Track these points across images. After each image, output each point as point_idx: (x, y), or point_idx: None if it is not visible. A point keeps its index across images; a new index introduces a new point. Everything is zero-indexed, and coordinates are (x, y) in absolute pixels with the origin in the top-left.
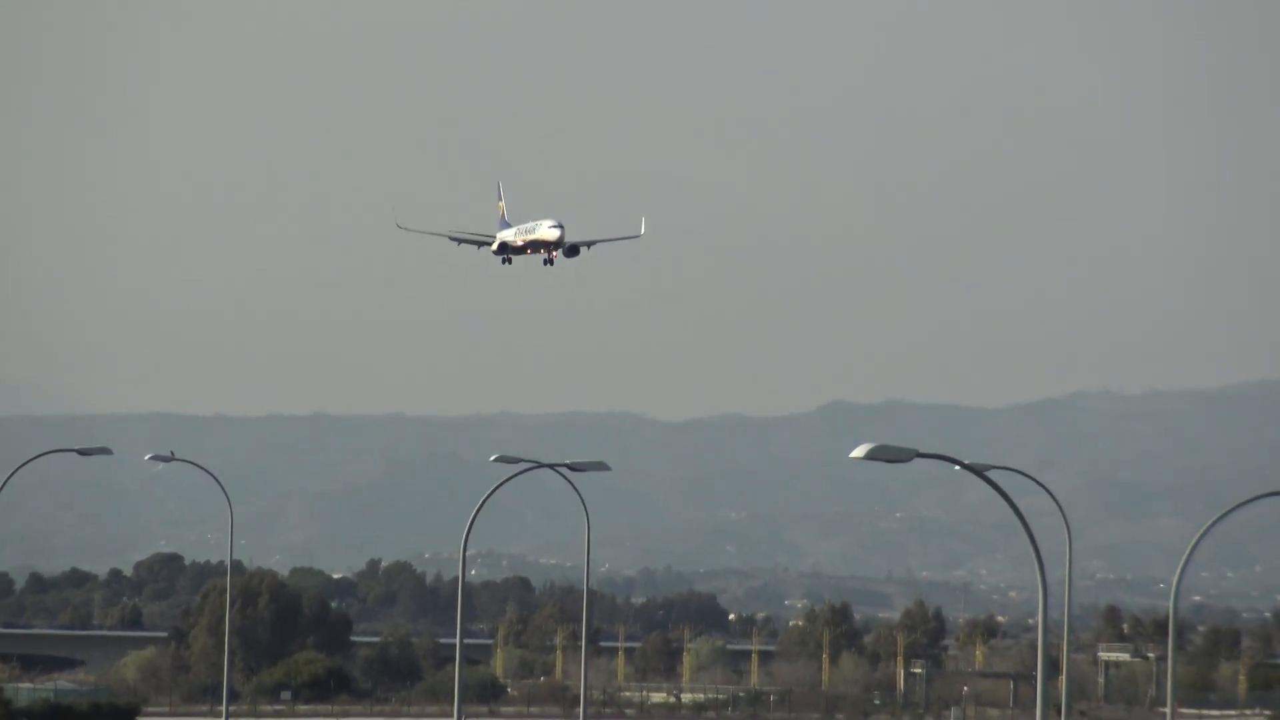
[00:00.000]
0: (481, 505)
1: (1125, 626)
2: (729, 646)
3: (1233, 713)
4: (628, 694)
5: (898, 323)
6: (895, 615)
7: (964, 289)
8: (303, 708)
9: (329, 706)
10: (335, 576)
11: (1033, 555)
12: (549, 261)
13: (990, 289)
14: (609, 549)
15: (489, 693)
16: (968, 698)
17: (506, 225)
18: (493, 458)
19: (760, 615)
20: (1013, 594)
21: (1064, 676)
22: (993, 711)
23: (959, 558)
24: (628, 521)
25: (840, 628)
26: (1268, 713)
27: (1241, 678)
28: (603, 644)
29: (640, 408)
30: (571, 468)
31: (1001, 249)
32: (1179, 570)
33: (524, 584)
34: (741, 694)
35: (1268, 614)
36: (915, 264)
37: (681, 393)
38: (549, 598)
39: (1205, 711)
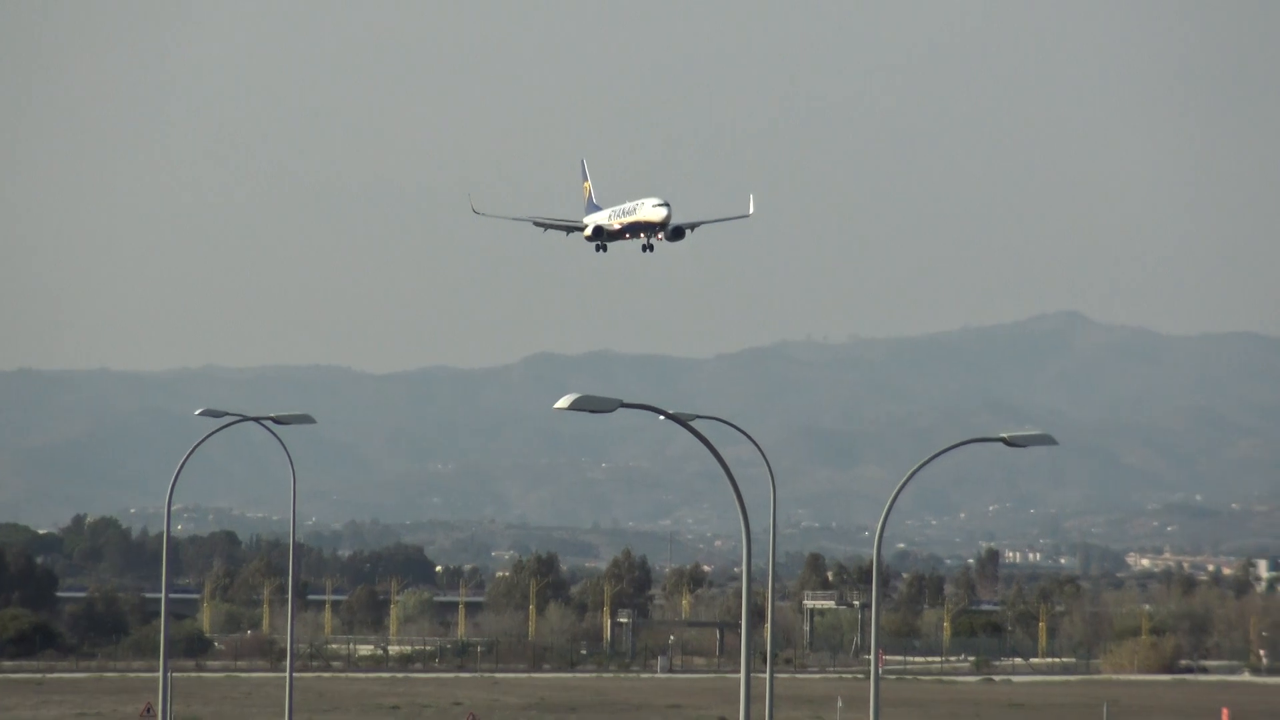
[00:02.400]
0: (186, 459)
1: (830, 574)
2: (436, 598)
3: (936, 659)
4: (335, 647)
5: (604, 275)
6: (602, 566)
7: (666, 242)
8: (7, 664)
9: (35, 662)
10: (41, 533)
11: (737, 504)
12: (649, 247)
13: (693, 241)
14: (316, 502)
15: (196, 647)
16: (674, 646)
17: (595, 207)
18: (198, 411)
19: (467, 567)
20: (718, 543)
21: (769, 625)
22: (699, 660)
23: (665, 507)
24: (335, 474)
25: (546, 578)
26: (971, 658)
27: (945, 624)
28: (310, 597)
29: (347, 360)
30: (277, 420)
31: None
32: (882, 518)
33: (230, 538)
34: (449, 645)
35: (971, 561)
36: None
37: (388, 345)
38: (255, 552)
39: (910, 658)
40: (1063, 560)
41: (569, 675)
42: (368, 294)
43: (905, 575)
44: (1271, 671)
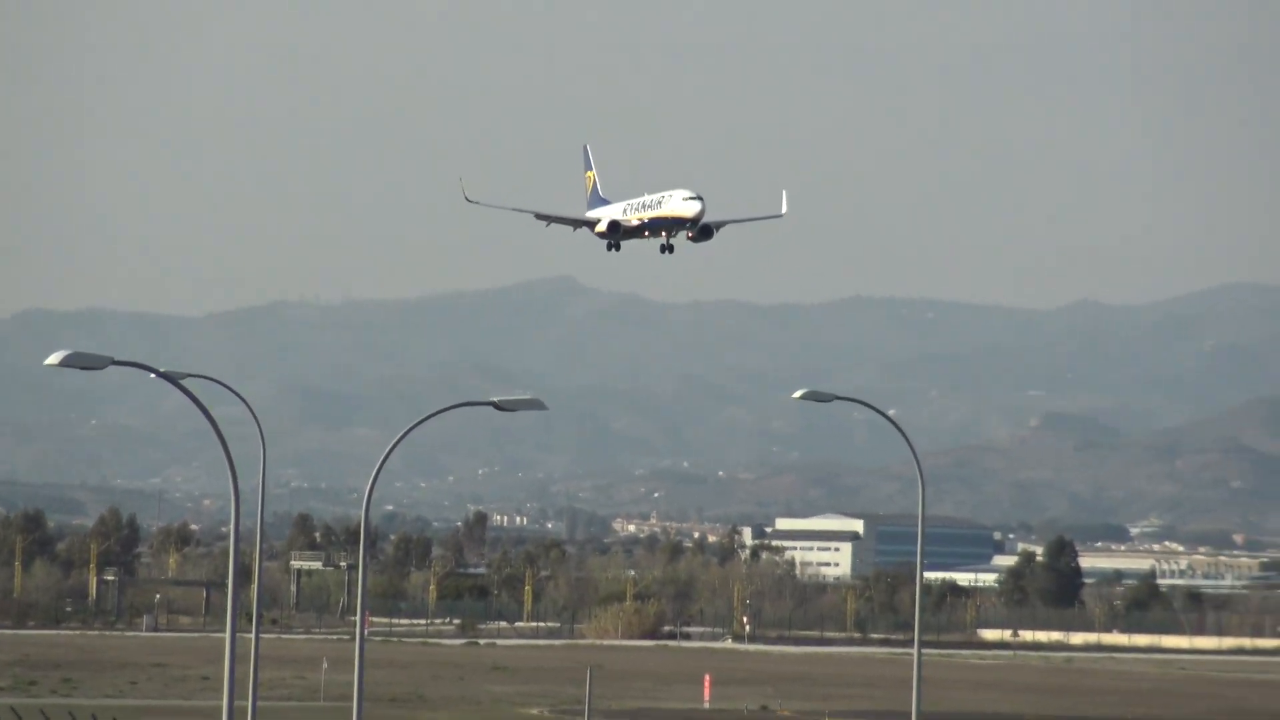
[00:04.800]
0: None
1: (318, 535)
2: None
3: (422, 621)
4: None
5: (99, 229)
6: (89, 523)
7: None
8: None
9: None
10: None
11: (226, 463)
12: (668, 248)
13: (185, 194)
14: None
15: None
16: (160, 605)
17: (601, 200)
18: None
19: None
20: (207, 502)
21: (255, 584)
22: (185, 619)
23: (155, 465)
24: None
25: (33, 535)
26: (457, 621)
27: (432, 587)
28: None
29: None
30: None
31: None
32: (371, 479)
33: None
34: None
35: (459, 524)
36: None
37: None
38: None
39: (396, 620)
40: (550, 525)
41: (54, 632)
42: None
43: (393, 537)
44: (754, 639)
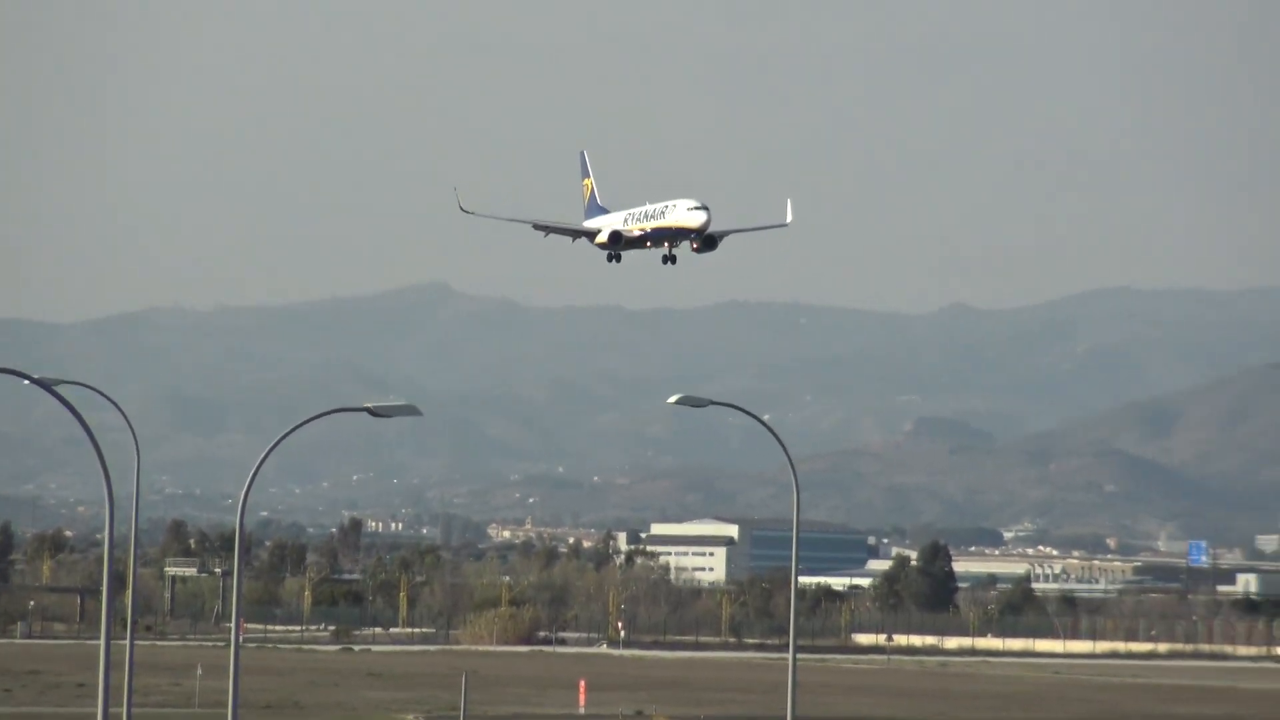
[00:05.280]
0: None
1: (192, 542)
2: None
3: (297, 628)
4: None
5: None
6: None
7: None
8: None
9: None
10: None
11: (100, 470)
12: (671, 259)
13: (58, 197)
14: None
15: None
16: (34, 612)
17: (600, 209)
18: None
19: None
20: (81, 509)
21: (130, 591)
22: (59, 626)
23: (29, 472)
24: None
25: None
26: (332, 627)
27: (307, 593)
28: None
29: None
30: None
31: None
32: (246, 485)
33: None
34: None
35: (334, 530)
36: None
37: None
38: None
39: (271, 626)
40: (425, 530)
41: None
42: None
43: (268, 543)
44: (629, 644)
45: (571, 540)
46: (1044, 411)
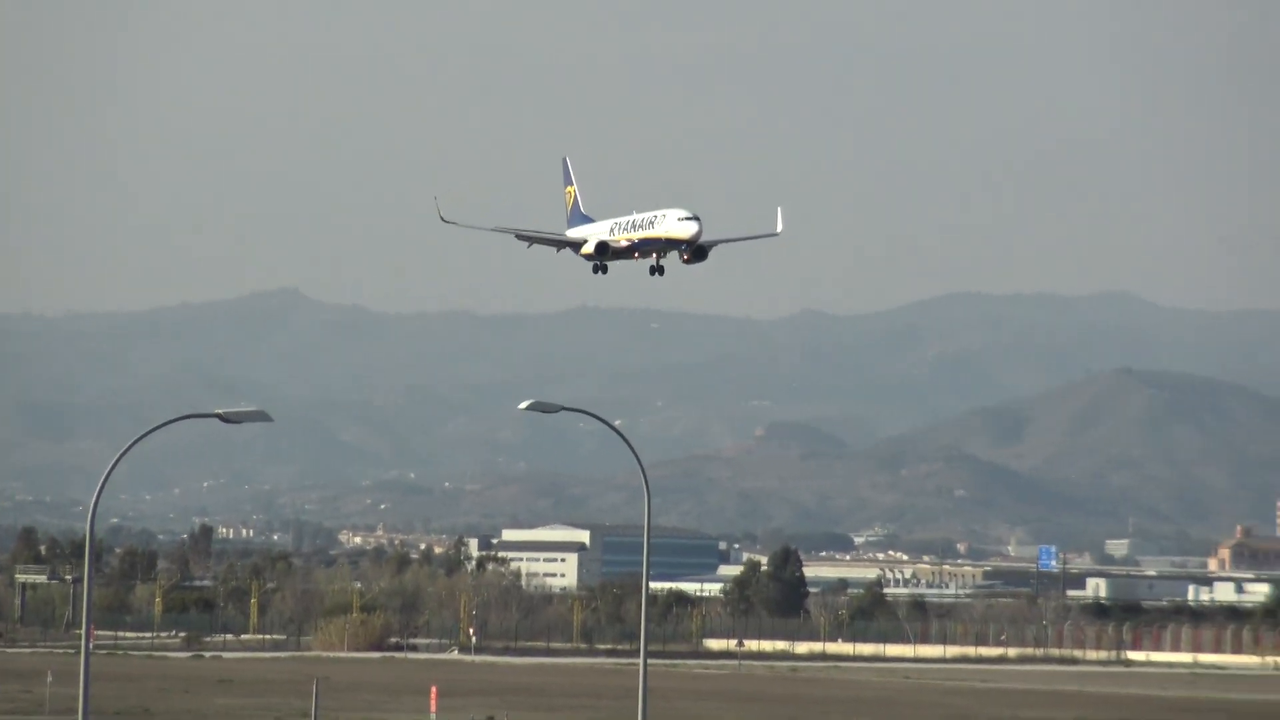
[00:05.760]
0: None
1: (42, 548)
2: None
3: (148, 634)
4: None
5: None
6: None
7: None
8: None
9: None
10: None
11: None
12: (658, 269)
13: None
14: None
15: None
16: None
17: (584, 218)
18: None
19: None
20: None
21: None
22: None
23: None
24: None
25: None
26: (183, 634)
27: (158, 599)
28: None
29: None
30: None
31: None
32: (97, 492)
33: None
34: None
35: (185, 537)
36: None
37: None
38: None
39: (121, 633)
40: (276, 537)
41: None
42: None
43: (118, 550)
44: (480, 650)
45: (423, 546)
46: (895, 417)
